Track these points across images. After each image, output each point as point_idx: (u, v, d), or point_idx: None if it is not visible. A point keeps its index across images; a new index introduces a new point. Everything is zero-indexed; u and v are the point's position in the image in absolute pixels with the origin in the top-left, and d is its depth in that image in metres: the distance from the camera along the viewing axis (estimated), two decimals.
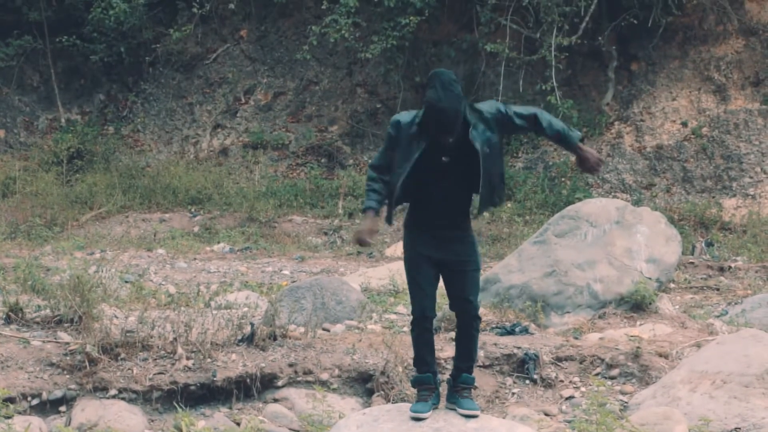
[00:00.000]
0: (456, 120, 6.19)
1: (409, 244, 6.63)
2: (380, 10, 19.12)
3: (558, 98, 17.97)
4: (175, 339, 8.23)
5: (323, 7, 19.29)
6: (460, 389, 6.71)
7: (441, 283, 6.63)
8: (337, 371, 8.18)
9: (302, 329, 8.86)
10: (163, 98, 21.48)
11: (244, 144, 20.59)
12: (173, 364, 8.00)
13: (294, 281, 12.49)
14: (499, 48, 18.35)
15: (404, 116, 6.44)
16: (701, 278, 13.67)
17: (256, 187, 19.08)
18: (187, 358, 8.05)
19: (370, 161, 6.63)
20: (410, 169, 6.34)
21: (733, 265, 14.23)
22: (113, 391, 7.77)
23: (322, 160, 20.14)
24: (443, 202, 6.45)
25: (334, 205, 18.23)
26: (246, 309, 9.87)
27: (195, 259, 15.04)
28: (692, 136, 18.36)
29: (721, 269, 14.10)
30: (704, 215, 17.01)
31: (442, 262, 6.51)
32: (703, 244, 15.65)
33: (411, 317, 6.63)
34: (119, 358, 8.00)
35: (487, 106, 6.47)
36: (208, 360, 8.06)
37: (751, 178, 17.73)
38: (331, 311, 10.00)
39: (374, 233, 6.57)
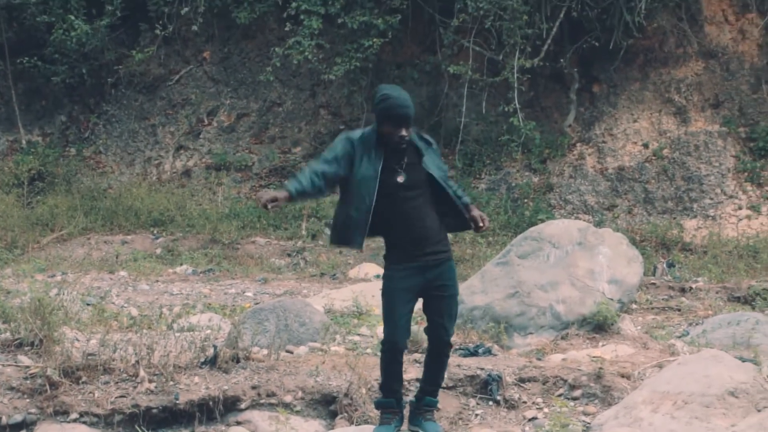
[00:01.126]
0: (412, 114, 6.33)
1: (391, 277, 6.61)
2: (344, 32, 19.17)
3: (520, 120, 18.08)
4: (137, 362, 8.17)
5: (286, 29, 19.32)
6: (423, 411, 6.74)
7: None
8: (300, 393, 8.15)
9: (265, 351, 8.82)
10: (125, 120, 21.39)
11: (207, 165, 20.53)
12: (135, 387, 7.94)
13: (257, 303, 12.45)
14: (462, 70, 18.44)
15: (354, 134, 6.56)
16: (663, 299, 13.74)
17: (219, 208, 19.02)
18: (150, 381, 7.99)
19: (321, 154, 6.68)
20: (377, 192, 6.39)
21: (694, 285, 14.32)
22: (74, 415, 7.70)
23: (286, 182, 20.08)
24: (421, 224, 6.49)
25: (298, 226, 18.20)
26: (209, 331, 9.82)
27: (157, 281, 14.96)
28: (653, 158, 18.51)
29: (683, 290, 14.18)
30: (665, 236, 17.12)
31: (426, 286, 6.54)
32: (664, 265, 15.73)
33: (382, 344, 6.65)
34: (80, 381, 7.93)
35: (426, 137, 6.68)
36: (171, 383, 8.00)
37: (711, 199, 17.88)
38: (295, 333, 9.97)
39: (275, 204, 6.56)
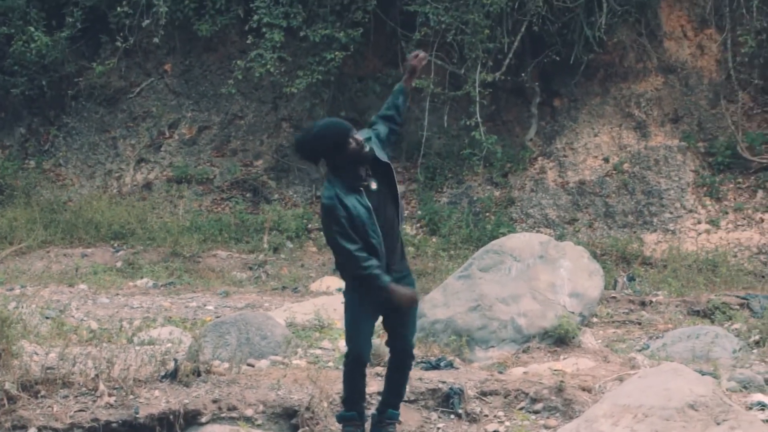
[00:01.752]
0: (347, 122, 6.66)
1: (359, 298, 6.64)
2: (306, 45, 19.17)
3: (482, 134, 18.12)
4: (96, 375, 8.12)
5: (248, 41, 19.28)
6: (385, 424, 6.75)
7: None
8: (261, 407, 8.12)
9: (226, 365, 8.79)
10: (85, 132, 21.25)
11: (168, 178, 20.43)
12: (95, 401, 7.88)
13: (218, 316, 12.41)
14: (423, 83, 18.47)
15: (329, 197, 6.49)
16: (623, 312, 13.81)
17: (180, 221, 18.92)
18: (109, 395, 7.93)
19: (350, 249, 6.55)
20: (376, 220, 6.45)
21: (654, 299, 14.39)
22: (33, 429, 7.63)
23: (247, 195, 20.05)
24: (390, 235, 6.54)
25: (259, 239, 18.15)
26: (169, 345, 9.77)
27: (117, 294, 14.87)
28: (614, 172, 18.62)
29: (643, 303, 14.25)
30: (626, 250, 17.20)
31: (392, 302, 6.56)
32: (624, 279, 15.81)
33: (346, 358, 6.67)
34: (39, 395, 7.86)
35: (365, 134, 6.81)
36: (131, 396, 7.95)
37: (671, 213, 18.00)
38: (256, 346, 9.94)
39: (413, 296, 6.71)
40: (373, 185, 6.54)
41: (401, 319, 6.73)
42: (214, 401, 8.07)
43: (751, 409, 7.94)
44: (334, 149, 6.47)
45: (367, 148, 6.50)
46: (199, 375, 8.35)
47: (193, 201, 19.81)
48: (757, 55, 18.11)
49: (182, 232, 18.10)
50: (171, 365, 8.37)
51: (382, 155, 6.67)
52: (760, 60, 18.28)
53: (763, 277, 16.07)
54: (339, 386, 7.44)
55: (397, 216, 6.70)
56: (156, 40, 20.24)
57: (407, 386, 7.56)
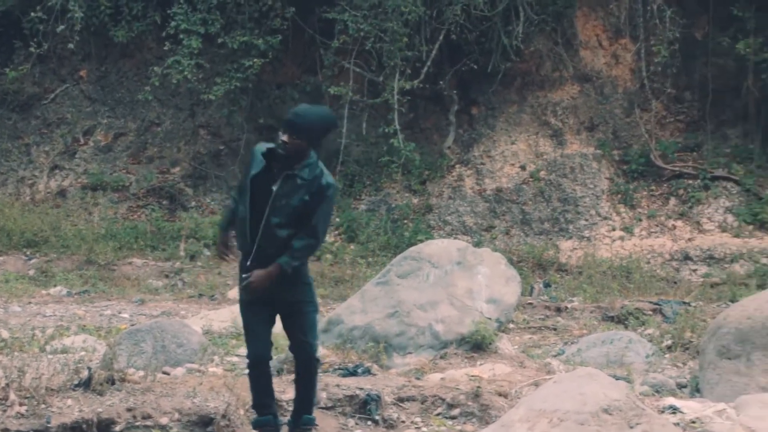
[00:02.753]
0: (294, 121, 6.63)
1: (242, 297, 6.67)
2: (224, 51, 19.06)
3: (401, 141, 18.18)
4: (7, 385, 7.95)
5: (165, 48, 19.13)
6: (302, 430, 6.71)
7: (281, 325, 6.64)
8: (177, 415, 8.02)
9: (141, 373, 8.67)
10: None
11: (82, 185, 20.16)
12: (5, 411, 7.72)
13: (133, 324, 12.26)
14: (342, 91, 18.49)
15: (262, 145, 6.64)
16: (539, 318, 13.94)
17: (95, 229, 18.68)
18: (20, 405, 7.78)
19: (238, 184, 7.12)
20: (249, 194, 6.45)
21: (569, 305, 14.56)
22: None
23: (164, 202, 19.87)
24: (273, 242, 6.49)
25: (176, 247, 17.98)
26: (83, 353, 9.65)
27: (30, 302, 14.61)
28: (530, 179, 18.80)
29: (558, 310, 14.41)
30: (542, 257, 17.38)
31: (279, 302, 6.54)
32: (541, 285, 15.97)
33: (247, 359, 6.67)
34: None
35: (330, 182, 6.77)
36: (43, 406, 7.80)
37: (586, 220, 18.22)
38: (172, 354, 9.84)
39: (226, 247, 6.90)
40: (274, 186, 6.55)
41: (300, 323, 6.70)
42: (129, 410, 7.95)
43: (663, 412, 8.04)
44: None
45: (278, 149, 6.49)
46: (113, 383, 8.22)
47: (108, 208, 19.57)
48: (670, 64, 18.44)
49: (97, 240, 17.88)
50: (84, 374, 8.24)
51: (293, 192, 6.62)
52: (672, 70, 18.61)
53: (675, 283, 16.36)
54: None
55: (290, 236, 6.60)
56: (71, 45, 19.97)
57: (322, 392, 7.54)
